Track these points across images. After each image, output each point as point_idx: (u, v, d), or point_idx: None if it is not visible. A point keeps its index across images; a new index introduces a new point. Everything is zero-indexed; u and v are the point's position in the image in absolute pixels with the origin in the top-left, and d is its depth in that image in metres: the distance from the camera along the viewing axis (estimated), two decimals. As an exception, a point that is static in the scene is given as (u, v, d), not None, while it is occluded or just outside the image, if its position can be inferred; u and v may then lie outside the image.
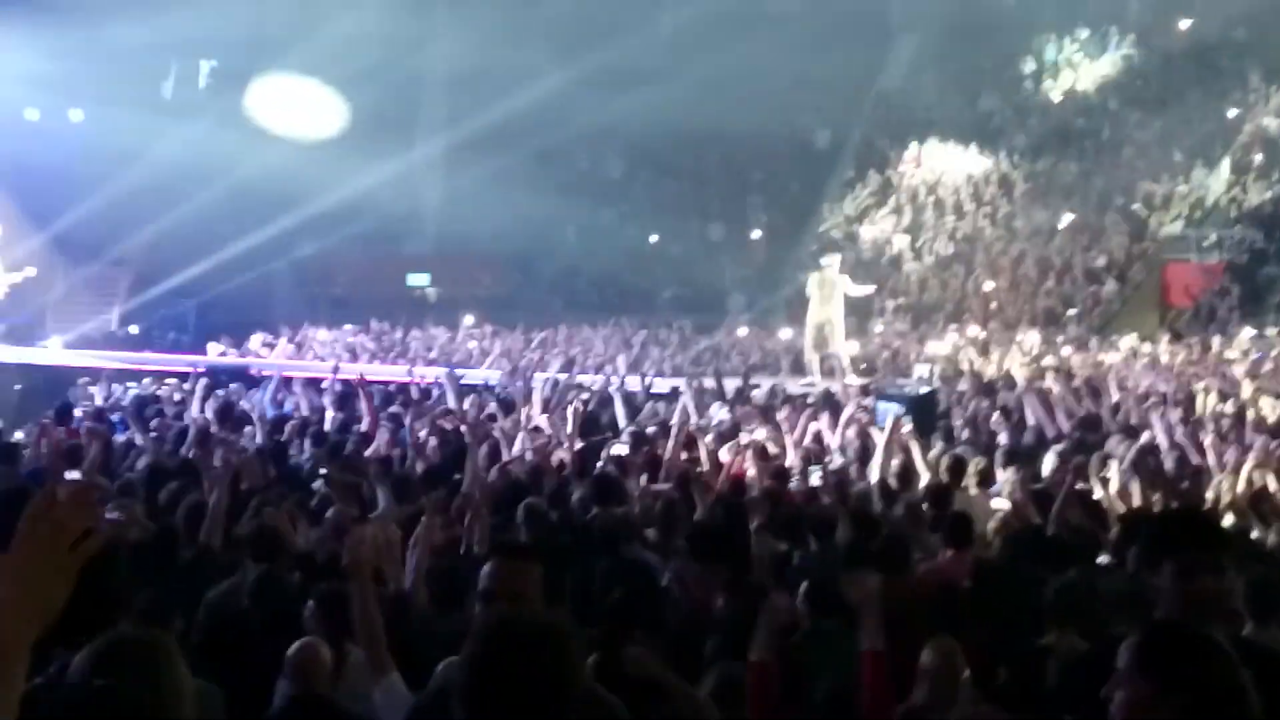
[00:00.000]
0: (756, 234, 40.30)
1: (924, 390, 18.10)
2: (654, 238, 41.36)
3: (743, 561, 7.54)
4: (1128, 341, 25.20)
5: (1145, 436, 12.87)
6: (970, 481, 10.83)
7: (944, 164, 39.69)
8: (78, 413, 15.54)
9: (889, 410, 14.66)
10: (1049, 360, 22.59)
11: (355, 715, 5.27)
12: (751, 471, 11.30)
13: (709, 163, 42.96)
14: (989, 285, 33.90)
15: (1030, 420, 14.82)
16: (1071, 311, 31.58)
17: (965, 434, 14.40)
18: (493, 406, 15.88)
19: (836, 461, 12.29)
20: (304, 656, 5.49)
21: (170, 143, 29.61)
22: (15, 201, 28.13)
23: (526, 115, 34.37)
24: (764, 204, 41.76)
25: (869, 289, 24.75)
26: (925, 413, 15.41)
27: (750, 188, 42.33)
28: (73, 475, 10.23)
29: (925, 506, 9.73)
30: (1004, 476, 10.92)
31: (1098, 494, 9.99)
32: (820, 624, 6.42)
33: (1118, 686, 3.15)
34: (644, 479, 10.78)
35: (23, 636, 2.17)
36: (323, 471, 10.06)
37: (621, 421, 14.89)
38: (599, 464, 11.49)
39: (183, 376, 18.94)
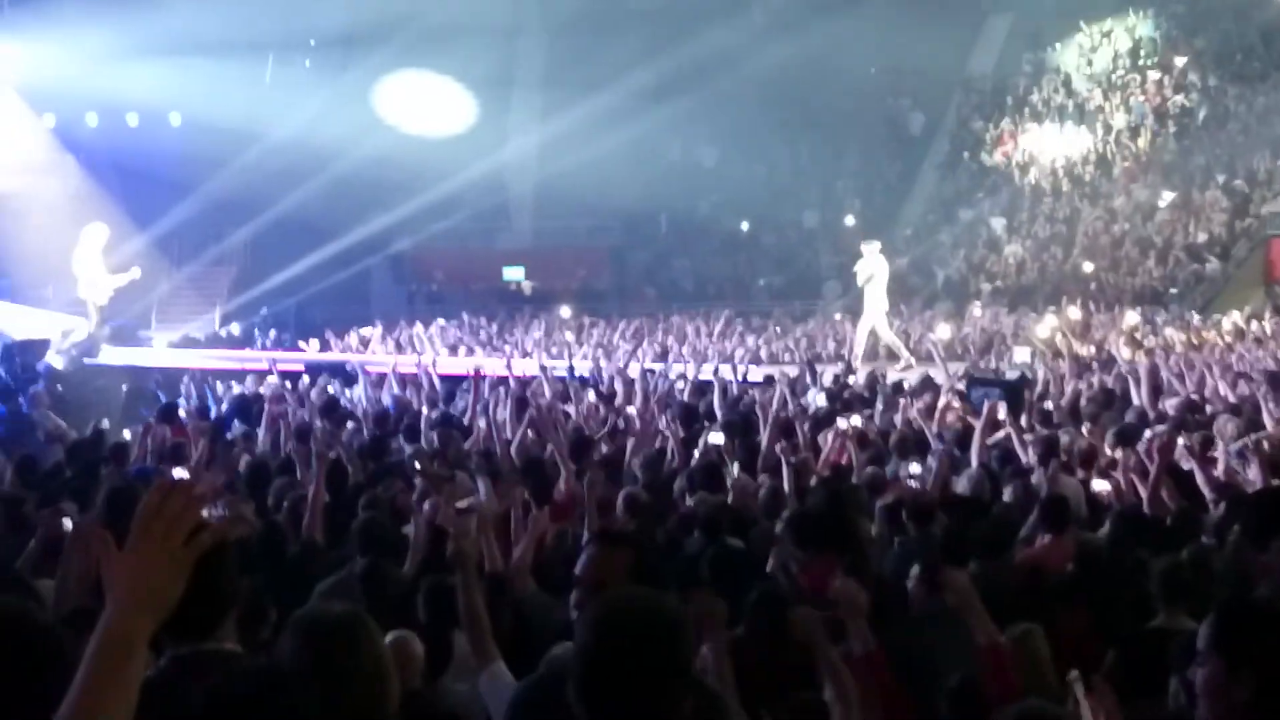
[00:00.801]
0: (850, 220, 40.05)
1: (1018, 374, 17.94)
2: (746, 225, 41.28)
3: (848, 547, 7.52)
4: (1231, 319, 24.76)
5: (1249, 415, 12.64)
6: (1071, 464, 10.71)
7: (1040, 144, 39.21)
8: (182, 412, 15.79)
9: (984, 396, 14.55)
10: (1150, 340, 22.27)
11: (449, 710, 5.27)
12: (850, 458, 11.26)
13: (802, 149, 42.77)
14: (1088, 266, 33.43)
15: (1134, 401, 14.64)
16: (1173, 290, 31.10)
17: (1064, 417, 14.21)
18: (591, 397, 15.97)
19: (936, 448, 12.19)
20: (395, 653, 5.43)
21: (267, 143, 29.97)
22: (120, 205, 28.62)
23: (617, 107, 34.38)
24: (858, 189, 41.49)
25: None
26: (1019, 397, 15.26)
27: (844, 173, 42.09)
28: (180, 473, 10.41)
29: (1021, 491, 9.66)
30: (1107, 458, 10.80)
31: (1200, 474, 9.81)
32: (935, 604, 6.37)
33: (1199, 665, 3.13)
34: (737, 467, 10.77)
35: (141, 632, 2.22)
36: (417, 465, 10.13)
37: (718, 410, 14.87)
38: (697, 453, 11.51)
39: (284, 374, 19.22)
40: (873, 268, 23.07)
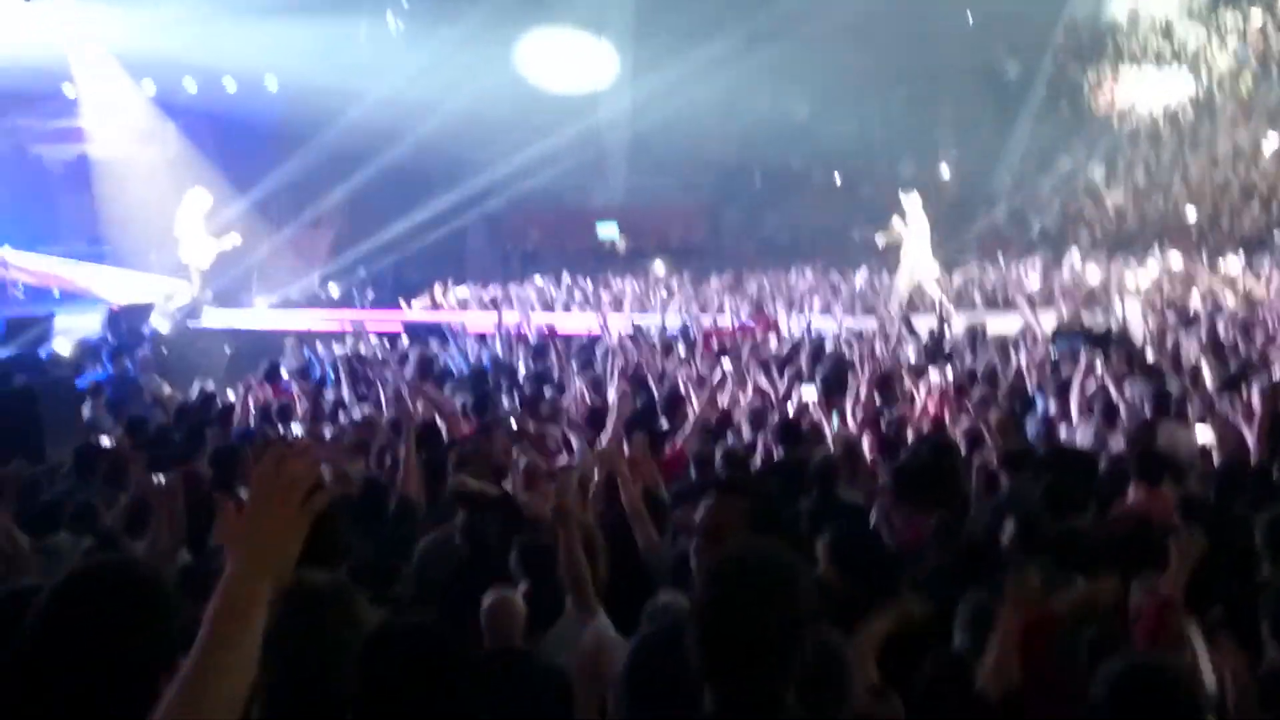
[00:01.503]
0: (946, 170, 39.57)
1: (1107, 325, 17.71)
2: (840, 178, 40.97)
3: (950, 501, 7.48)
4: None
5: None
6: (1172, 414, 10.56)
7: (1140, 90, 38.48)
8: (284, 373, 16.02)
9: (1070, 346, 14.40)
10: (1256, 288, 21.86)
11: (549, 666, 5.30)
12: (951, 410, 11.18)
13: (895, 100, 42.30)
14: (1191, 212, 32.83)
15: (1240, 349, 14.40)
16: (1278, 235, 30.46)
17: (1168, 366, 14.00)
18: (682, 352, 16.01)
19: (1037, 401, 12.07)
20: (497, 610, 5.38)
21: (363, 104, 30.18)
22: (219, 170, 29.00)
23: (708, 61, 34.17)
24: (954, 139, 40.98)
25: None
26: (1108, 347, 15.05)
27: (939, 123, 41.58)
28: (295, 430, 10.58)
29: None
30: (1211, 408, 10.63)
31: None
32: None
33: None
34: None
35: (262, 592, 2.27)
36: (513, 422, 10.22)
37: (814, 364, 14.82)
38: (792, 407, 11.51)
39: (382, 334, 19.44)
40: (913, 220, 23.00)
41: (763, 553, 2.91)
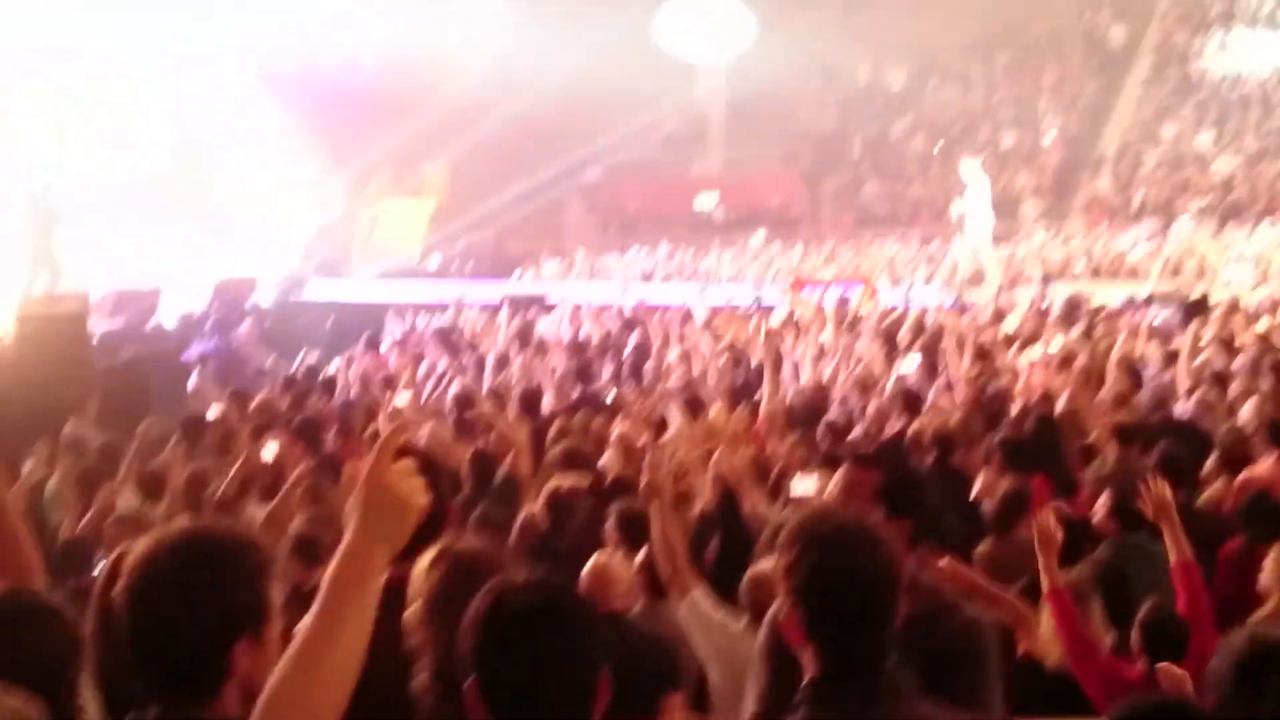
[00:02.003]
0: (1049, 139, 38.96)
1: (1198, 294, 17.43)
2: (938, 147, 40.51)
3: (1055, 471, 7.42)
4: None
5: None
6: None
7: (1251, 54, 37.61)
8: (385, 344, 16.17)
9: (1162, 315, 14.20)
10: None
11: (647, 632, 5.31)
12: (1057, 382, 11.02)
13: (997, 67, 41.75)
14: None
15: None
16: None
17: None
18: (775, 323, 15.96)
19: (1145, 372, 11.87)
20: (595, 574, 5.30)
21: (461, 77, 30.34)
22: (320, 143, 29.29)
23: (805, 31, 33.94)
24: (1057, 107, 40.31)
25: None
26: (1205, 315, 14.78)
27: (1042, 91, 40.94)
28: (400, 401, 10.66)
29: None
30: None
31: None
32: (1129, 538, 6.27)
33: None
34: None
35: (379, 559, 2.33)
36: (612, 393, 10.24)
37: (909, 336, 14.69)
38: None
39: (483, 306, 19.55)
40: (973, 188, 22.79)
41: (852, 516, 2.92)
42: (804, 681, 2.83)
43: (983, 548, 6.60)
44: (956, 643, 3.58)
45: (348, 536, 2.33)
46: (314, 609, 2.25)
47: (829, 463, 4.69)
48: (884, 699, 2.78)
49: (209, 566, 2.56)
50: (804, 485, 5.82)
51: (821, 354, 12.82)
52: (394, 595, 3.29)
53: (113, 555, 4.02)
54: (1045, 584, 5.23)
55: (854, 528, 2.87)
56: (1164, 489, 5.60)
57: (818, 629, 2.80)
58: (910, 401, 9.73)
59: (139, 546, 2.66)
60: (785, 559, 2.86)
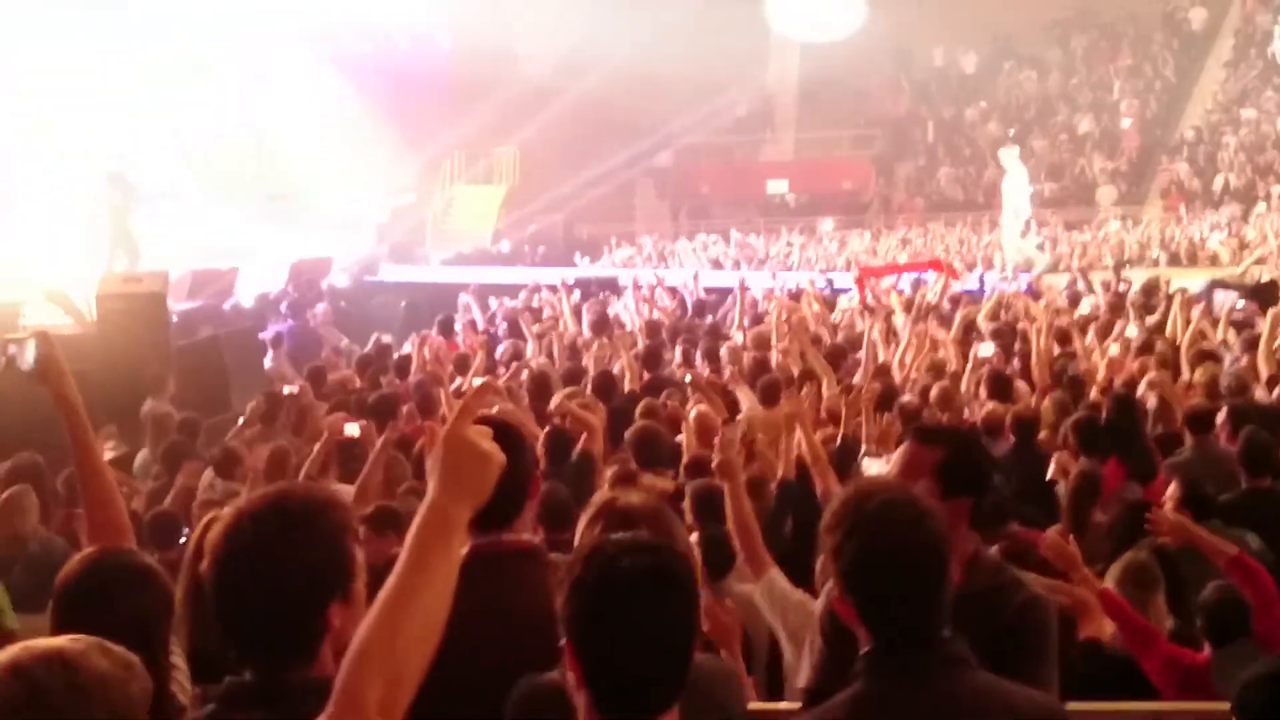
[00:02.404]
0: (1128, 123, 38.52)
1: (1265, 278, 17.22)
2: (1013, 131, 40.16)
3: (1131, 454, 7.36)
4: None
5: None
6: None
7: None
8: (457, 326, 16.24)
9: (1226, 299, 14.04)
10: None
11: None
12: (1135, 367, 10.91)
13: (1074, 51, 41.32)
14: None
15: None
16: None
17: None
18: (843, 304, 15.95)
19: (1226, 356, 11.71)
20: None
21: (533, 60, 30.42)
22: (393, 126, 29.45)
23: (879, 12, 33.72)
24: (1135, 91, 39.82)
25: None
26: (1270, 300, 14.56)
27: (1120, 74, 40.47)
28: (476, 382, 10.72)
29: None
30: None
31: None
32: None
33: None
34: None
35: (459, 519, 2.35)
36: (688, 376, 10.23)
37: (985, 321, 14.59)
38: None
39: (554, 289, 19.59)
40: (1011, 175, 22.71)
41: (895, 490, 2.94)
42: (861, 653, 2.86)
43: (1054, 530, 6.56)
44: (1017, 619, 3.58)
45: (429, 493, 2.36)
46: (398, 565, 2.28)
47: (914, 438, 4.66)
48: (940, 670, 2.81)
49: (299, 528, 2.60)
50: (874, 467, 5.81)
51: (894, 338, 12.74)
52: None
53: (200, 524, 4.08)
54: (1085, 585, 5.20)
55: (898, 502, 2.89)
56: (1168, 515, 5.59)
57: (867, 604, 2.84)
58: (997, 385, 9.67)
59: (227, 514, 2.70)
60: (832, 536, 2.88)
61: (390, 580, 2.26)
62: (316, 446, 7.60)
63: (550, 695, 2.96)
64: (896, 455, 4.15)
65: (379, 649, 2.22)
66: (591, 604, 2.39)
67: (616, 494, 3.56)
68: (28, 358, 3.72)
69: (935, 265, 19.80)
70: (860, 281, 17.91)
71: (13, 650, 2.24)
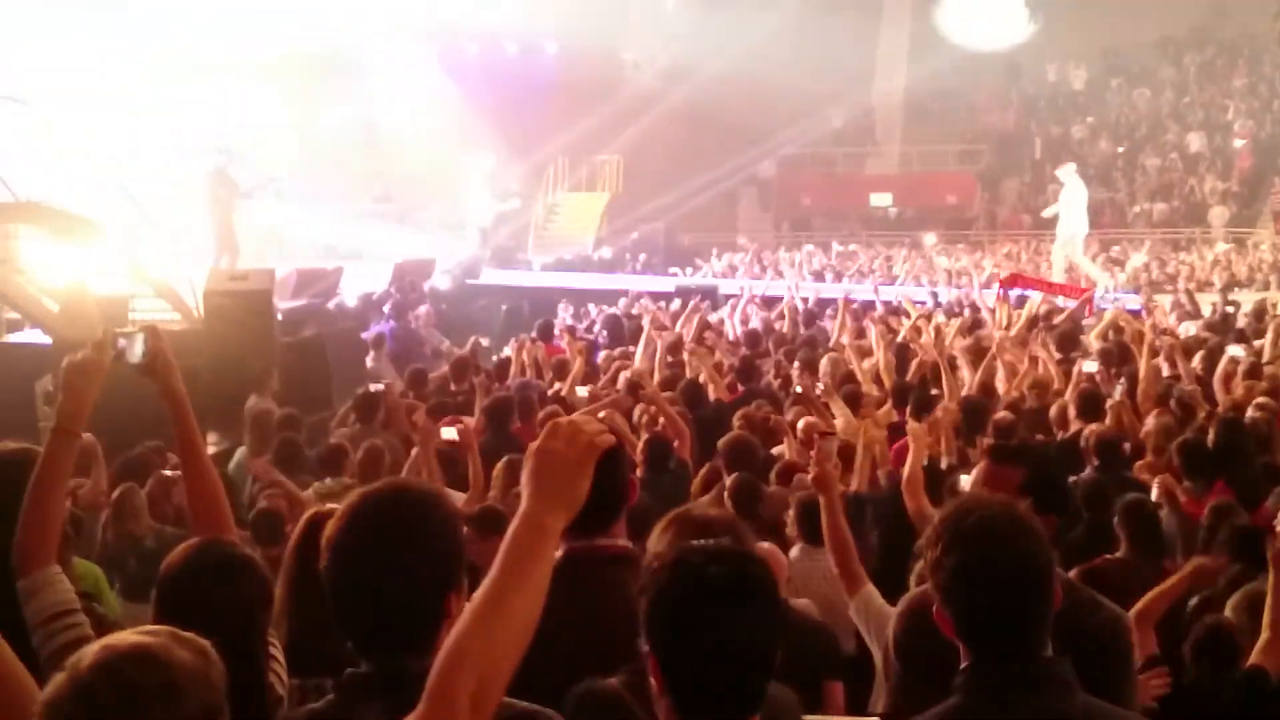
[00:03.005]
0: (1240, 142, 37.84)
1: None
2: (1123, 149, 39.59)
3: (1239, 480, 7.21)
4: None
5: None
6: None
7: None
8: (556, 331, 16.31)
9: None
10: None
11: (810, 619, 5.33)
12: (1241, 390, 10.70)
13: (1187, 68, 40.68)
14: None
15: None
16: None
17: None
18: (939, 319, 15.83)
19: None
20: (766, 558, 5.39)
21: (638, 69, 30.50)
22: (498, 132, 29.68)
23: (987, 28, 33.40)
24: (1250, 110, 39.10)
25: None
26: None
27: (1234, 93, 39.76)
28: (582, 391, 10.78)
29: None
30: None
31: None
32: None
33: None
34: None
35: (554, 525, 2.37)
36: (796, 387, 10.19)
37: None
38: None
39: (655, 296, 19.64)
40: (1069, 192, 22.46)
41: (1002, 508, 2.89)
42: (961, 668, 2.82)
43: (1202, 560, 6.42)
44: (1099, 638, 3.54)
45: (523, 502, 2.38)
46: (493, 569, 2.31)
47: (994, 456, 4.62)
48: (1044, 689, 2.77)
49: (419, 520, 2.67)
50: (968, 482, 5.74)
51: (992, 354, 12.60)
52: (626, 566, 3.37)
53: (305, 518, 4.13)
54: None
55: (1000, 515, 2.85)
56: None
57: (966, 618, 2.80)
58: (1087, 404, 9.51)
59: (344, 508, 2.76)
60: (932, 550, 2.85)
61: (485, 584, 2.30)
62: (414, 450, 7.66)
63: (606, 699, 2.98)
64: (975, 474, 4.11)
65: (472, 651, 2.25)
66: (676, 612, 2.39)
67: (691, 505, 3.55)
68: (137, 351, 3.78)
69: (1079, 292, 19.41)
70: (1006, 284, 17.69)
71: (96, 651, 2.26)
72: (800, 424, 8.43)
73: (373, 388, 10.78)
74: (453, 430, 7.56)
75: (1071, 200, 22.69)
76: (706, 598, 2.38)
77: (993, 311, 16.45)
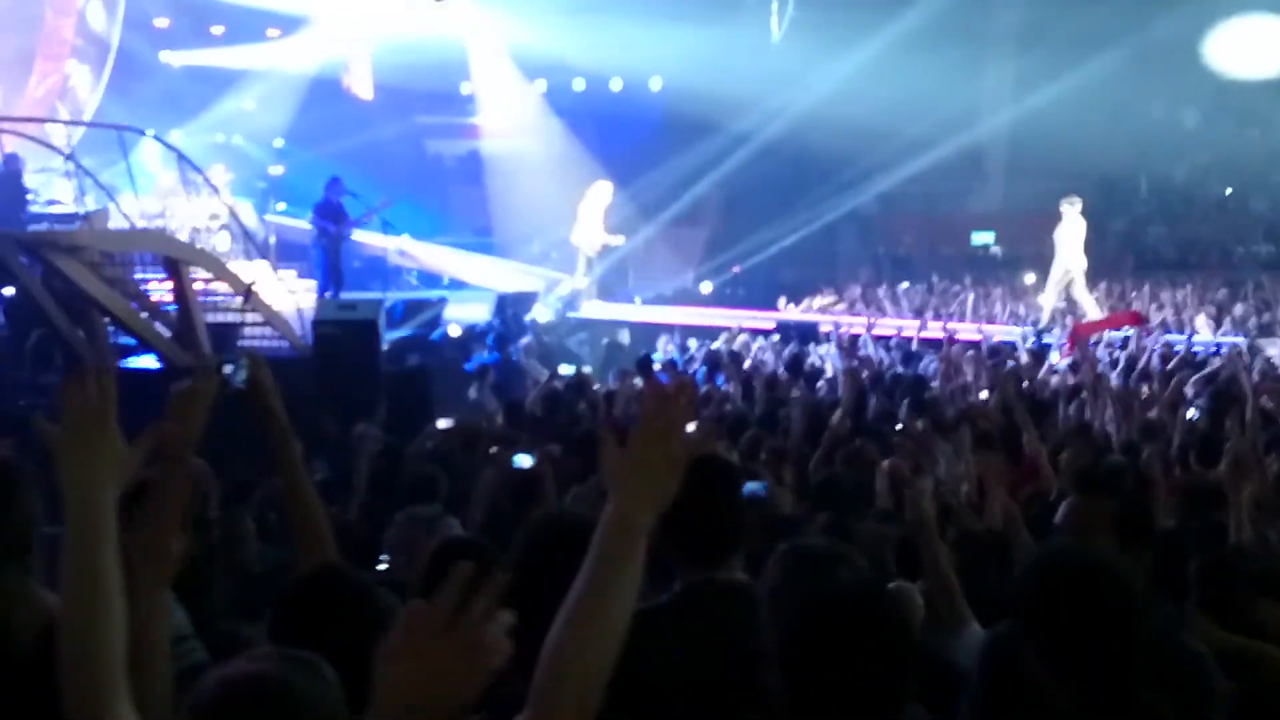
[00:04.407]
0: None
1: None
2: (1229, 190, 38.98)
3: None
4: None
5: None
6: None
7: None
8: (657, 365, 16.39)
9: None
10: None
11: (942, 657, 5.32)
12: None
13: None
14: None
15: None
16: None
17: None
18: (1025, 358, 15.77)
19: None
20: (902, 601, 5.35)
21: (742, 106, 30.59)
22: (602, 166, 29.93)
23: (1096, 67, 33.06)
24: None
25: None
26: None
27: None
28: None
29: None
30: None
31: None
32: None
33: None
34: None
35: (640, 523, 2.40)
36: (899, 425, 10.16)
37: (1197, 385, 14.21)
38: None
39: (755, 332, 19.68)
40: (1068, 227, 22.15)
41: (1093, 553, 2.91)
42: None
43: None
44: (1181, 675, 3.53)
45: (610, 501, 2.42)
46: (584, 570, 2.35)
47: (1085, 490, 4.61)
48: None
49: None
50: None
51: (1096, 396, 12.49)
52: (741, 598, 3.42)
53: (435, 545, 4.20)
54: None
55: (1094, 563, 2.87)
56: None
57: (1061, 662, 2.81)
58: (1203, 450, 9.39)
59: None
60: (1023, 594, 2.88)
61: (576, 585, 2.34)
62: (484, 478, 7.71)
63: None
64: (1065, 508, 4.11)
65: (572, 654, 2.30)
66: (817, 645, 2.42)
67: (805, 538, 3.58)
68: (239, 378, 3.89)
69: (1134, 319, 19.45)
70: (1072, 339, 17.69)
71: (214, 685, 2.34)
72: (885, 464, 8.41)
73: (440, 423, 10.88)
74: (527, 458, 7.55)
75: (1069, 235, 22.49)
76: (849, 632, 2.42)
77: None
